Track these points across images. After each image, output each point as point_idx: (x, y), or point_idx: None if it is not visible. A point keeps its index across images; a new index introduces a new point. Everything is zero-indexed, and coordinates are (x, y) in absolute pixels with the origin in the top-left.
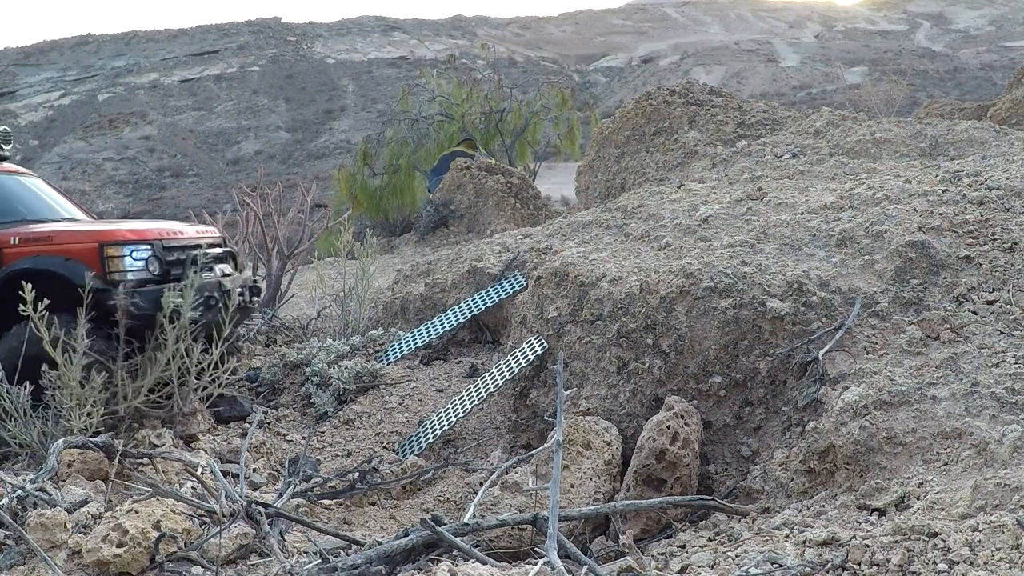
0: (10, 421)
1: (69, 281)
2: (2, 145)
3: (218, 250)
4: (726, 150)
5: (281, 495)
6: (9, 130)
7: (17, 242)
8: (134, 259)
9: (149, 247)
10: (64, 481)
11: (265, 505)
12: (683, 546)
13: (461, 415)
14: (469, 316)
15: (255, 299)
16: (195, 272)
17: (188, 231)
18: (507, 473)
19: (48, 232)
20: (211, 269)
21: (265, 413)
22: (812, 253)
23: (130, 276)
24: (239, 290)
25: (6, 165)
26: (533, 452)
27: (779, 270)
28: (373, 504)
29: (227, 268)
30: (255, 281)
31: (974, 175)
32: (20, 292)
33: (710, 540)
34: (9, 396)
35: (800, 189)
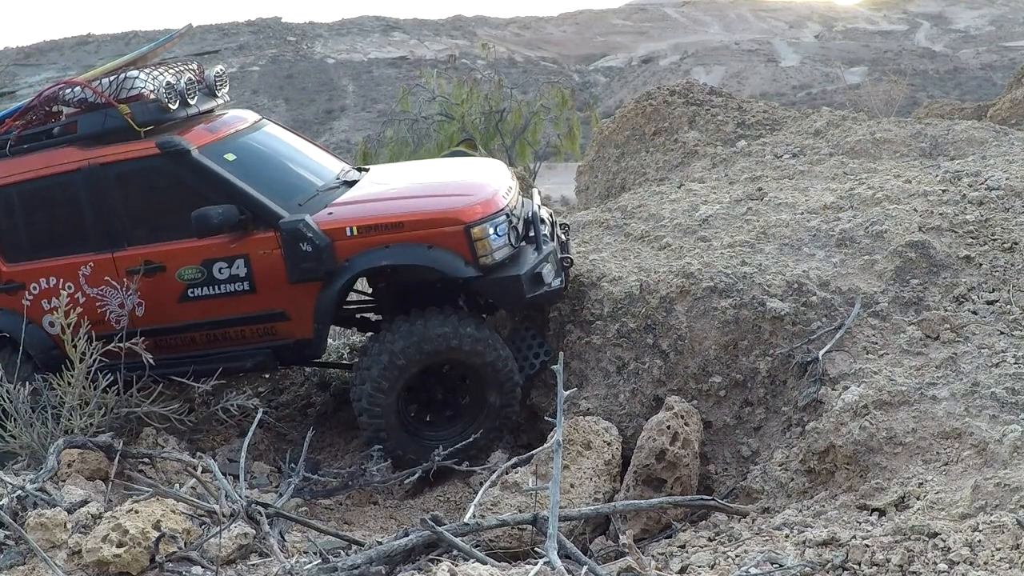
0: (10, 421)
1: (440, 273)
2: (223, 91)
3: (538, 199)
4: (726, 150)
5: (281, 495)
6: (224, 71)
7: (355, 232)
8: (498, 235)
9: (506, 217)
10: (64, 481)
11: (265, 505)
12: (683, 546)
13: None
14: None
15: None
16: (545, 234)
17: (507, 182)
18: (507, 473)
19: (395, 216)
20: (543, 221)
21: (265, 412)
22: (812, 253)
23: (496, 256)
24: (562, 236)
25: (243, 115)
26: (533, 452)
27: (779, 270)
28: (373, 504)
29: (546, 214)
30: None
31: (974, 175)
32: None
33: (710, 540)
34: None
35: (800, 189)
